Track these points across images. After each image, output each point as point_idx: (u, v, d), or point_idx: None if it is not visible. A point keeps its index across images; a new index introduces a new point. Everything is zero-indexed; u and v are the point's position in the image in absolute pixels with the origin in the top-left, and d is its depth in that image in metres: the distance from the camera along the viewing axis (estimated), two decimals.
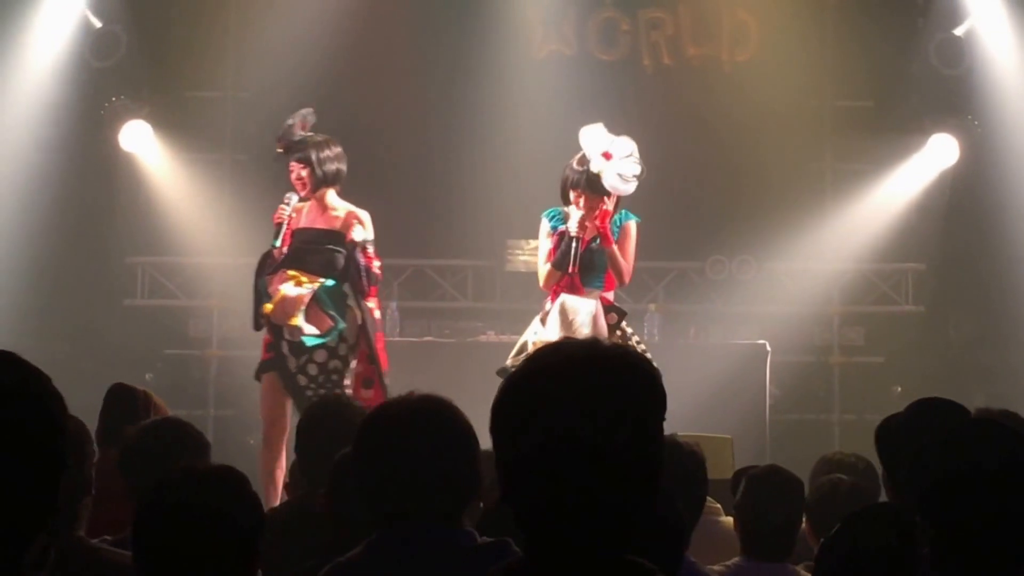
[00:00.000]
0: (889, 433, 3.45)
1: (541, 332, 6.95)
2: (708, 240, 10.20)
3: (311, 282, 6.90)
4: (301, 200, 6.98)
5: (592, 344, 1.87)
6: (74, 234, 9.75)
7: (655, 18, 10.56)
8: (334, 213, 7.00)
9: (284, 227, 6.87)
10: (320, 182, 6.97)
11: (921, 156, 10.15)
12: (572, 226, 6.85)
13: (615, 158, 6.89)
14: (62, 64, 9.76)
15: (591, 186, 6.83)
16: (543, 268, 7.01)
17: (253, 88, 10.03)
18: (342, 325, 6.95)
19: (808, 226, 10.11)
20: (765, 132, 10.04)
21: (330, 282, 6.94)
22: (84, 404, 4.69)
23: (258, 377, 7.03)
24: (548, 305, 7.01)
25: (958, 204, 10.31)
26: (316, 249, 6.93)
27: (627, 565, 1.84)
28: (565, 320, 6.87)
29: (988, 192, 10.21)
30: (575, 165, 6.96)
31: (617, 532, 1.82)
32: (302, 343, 6.86)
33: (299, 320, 6.86)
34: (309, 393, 6.79)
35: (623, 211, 7.10)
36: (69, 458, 1.77)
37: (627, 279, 7.08)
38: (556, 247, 6.92)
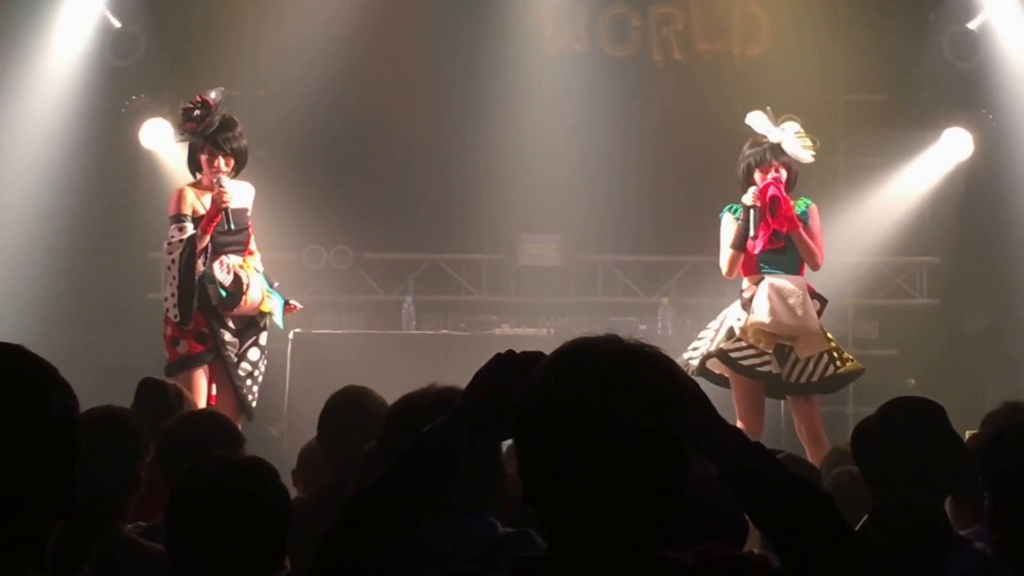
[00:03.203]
0: (864, 434, 3.44)
1: (751, 316, 6.89)
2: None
3: (248, 267, 6.88)
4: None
5: (614, 341, 1.88)
6: (98, 229, 9.87)
7: (665, 13, 10.60)
8: (243, 189, 6.98)
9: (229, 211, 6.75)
10: (242, 166, 6.92)
11: (935, 150, 10.14)
12: (748, 198, 6.90)
13: (788, 131, 6.96)
14: (83, 63, 9.85)
15: (775, 155, 6.92)
16: (725, 254, 7.01)
17: (270, 86, 10.15)
18: (282, 300, 6.98)
19: (822, 220, 10.13)
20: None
21: (252, 260, 6.96)
22: (109, 394, 4.73)
23: (176, 373, 6.66)
24: (747, 291, 6.97)
25: (972, 197, 10.33)
26: (240, 228, 6.88)
27: (654, 559, 1.86)
28: (776, 302, 6.84)
29: (1002, 185, 10.21)
30: (748, 149, 7.02)
31: (643, 530, 1.83)
32: (250, 329, 6.83)
33: (268, 305, 6.87)
34: (244, 384, 6.78)
35: (802, 198, 7.12)
36: (81, 445, 1.80)
37: (820, 261, 7.06)
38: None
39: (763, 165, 6.91)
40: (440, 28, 10.43)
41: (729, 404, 7.76)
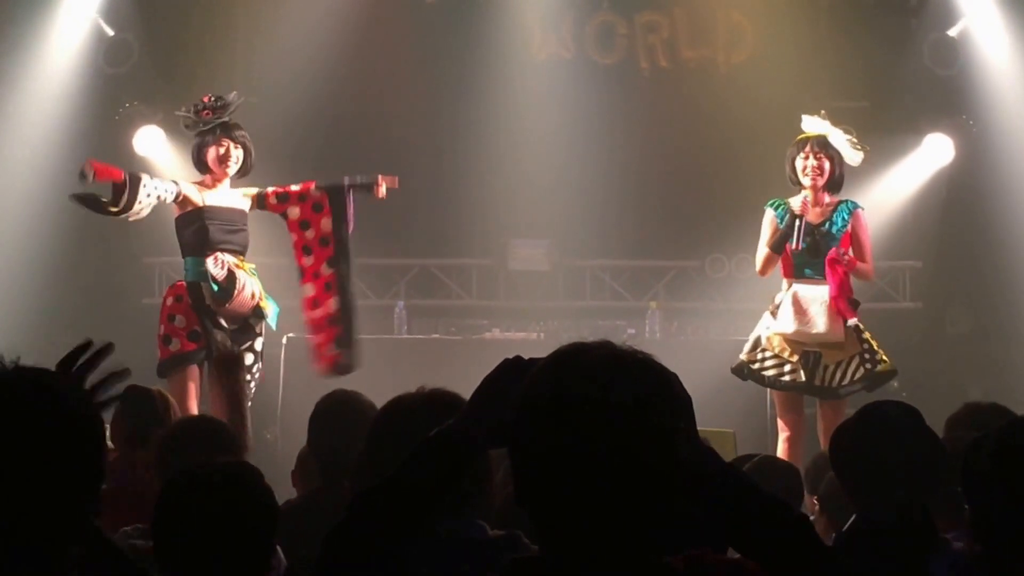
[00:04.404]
0: (842, 439, 3.44)
1: (774, 325, 6.92)
2: (707, 239, 10.30)
3: (245, 267, 6.92)
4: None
5: (608, 346, 1.89)
6: (92, 236, 9.84)
7: (651, 21, 10.67)
8: (240, 193, 7.03)
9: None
10: (249, 164, 6.99)
11: (917, 156, 10.22)
12: (797, 204, 6.88)
13: (839, 132, 6.96)
14: (77, 71, 9.91)
15: (819, 144, 6.90)
16: (761, 252, 6.99)
17: (262, 93, 10.14)
18: (277, 308, 7.03)
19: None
20: (762, 132, 10.07)
21: (251, 265, 7.01)
22: None
23: (168, 372, 6.72)
24: (779, 298, 6.97)
25: (954, 202, 10.39)
26: (238, 229, 6.94)
27: (646, 563, 1.86)
28: (799, 310, 6.84)
29: (983, 190, 10.28)
30: (791, 147, 7.02)
31: (637, 533, 1.83)
32: (246, 329, 6.85)
33: (265, 303, 6.91)
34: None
35: (847, 200, 7.05)
36: (104, 448, 1.88)
37: (872, 276, 7.10)
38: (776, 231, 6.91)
39: (804, 151, 6.92)
40: (429, 35, 10.49)
41: (760, 401, 7.88)
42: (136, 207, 6.75)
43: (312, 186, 7.06)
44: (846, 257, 6.80)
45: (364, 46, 10.23)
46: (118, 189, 6.74)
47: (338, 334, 6.94)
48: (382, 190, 7.00)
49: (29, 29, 9.81)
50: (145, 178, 6.85)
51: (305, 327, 7.09)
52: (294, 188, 7.07)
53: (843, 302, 6.81)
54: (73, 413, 1.85)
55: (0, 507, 1.80)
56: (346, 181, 7.03)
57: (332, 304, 6.95)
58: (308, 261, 7.00)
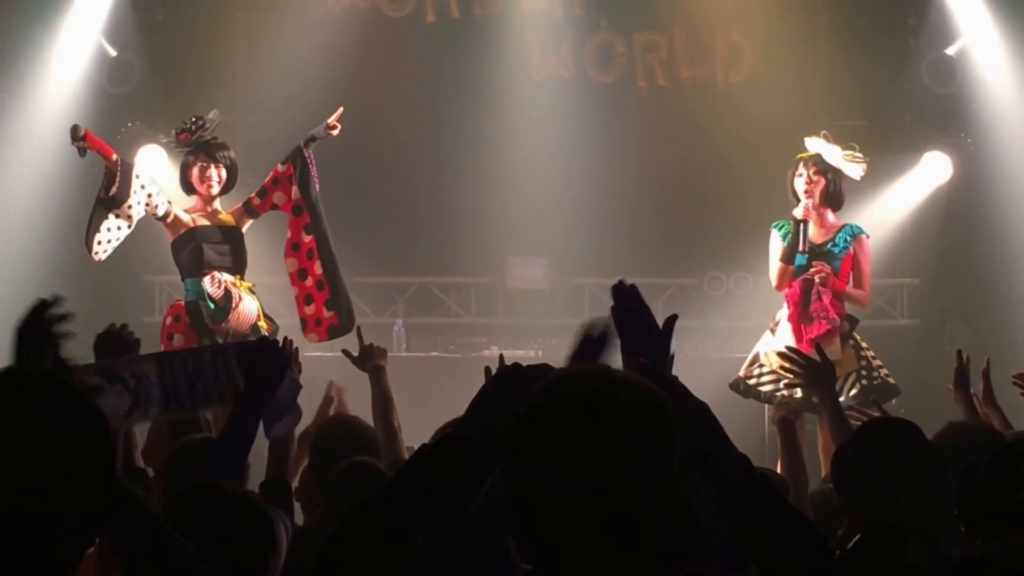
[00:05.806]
0: (842, 457, 3.44)
1: (772, 342, 7.02)
2: (706, 257, 10.36)
3: (243, 286, 6.96)
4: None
5: (603, 372, 1.91)
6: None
7: (650, 41, 10.72)
8: (224, 210, 7.08)
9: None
10: (233, 182, 7.05)
11: (915, 174, 10.28)
12: (799, 211, 6.98)
13: (836, 149, 7.05)
14: (79, 91, 9.98)
15: (813, 162, 7.03)
16: (773, 267, 7.08)
17: (262, 112, 10.21)
18: (277, 326, 7.05)
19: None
20: (760, 151, 10.12)
21: (250, 283, 7.04)
22: None
23: None
24: (779, 315, 7.06)
25: (952, 220, 10.44)
26: (233, 248, 6.99)
27: None
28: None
29: (981, 207, 10.34)
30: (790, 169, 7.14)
31: (628, 555, 1.83)
32: None
33: (265, 321, 6.96)
34: None
35: (852, 224, 7.17)
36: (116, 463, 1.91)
37: (866, 303, 7.19)
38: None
39: (797, 170, 7.06)
40: (429, 55, 10.54)
41: (758, 418, 7.90)
42: (132, 199, 6.75)
43: (278, 167, 7.09)
44: (820, 276, 6.84)
45: (364, 64, 10.28)
46: (109, 173, 6.77)
47: (328, 297, 6.96)
48: (335, 131, 7.09)
49: (32, 49, 9.88)
50: (138, 169, 6.90)
51: (296, 303, 7.06)
52: (267, 180, 7.11)
53: (802, 322, 6.86)
54: (77, 412, 1.88)
55: (10, 508, 1.81)
56: (301, 143, 7.08)
57: (317, 268, 6.97)
58: (287, 234, 7.03)
